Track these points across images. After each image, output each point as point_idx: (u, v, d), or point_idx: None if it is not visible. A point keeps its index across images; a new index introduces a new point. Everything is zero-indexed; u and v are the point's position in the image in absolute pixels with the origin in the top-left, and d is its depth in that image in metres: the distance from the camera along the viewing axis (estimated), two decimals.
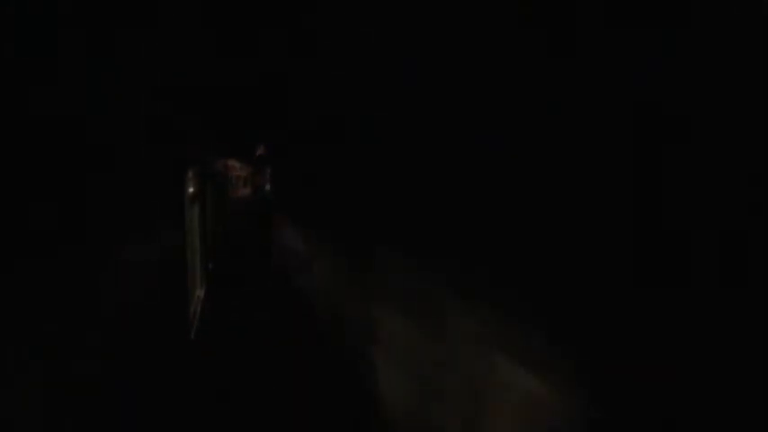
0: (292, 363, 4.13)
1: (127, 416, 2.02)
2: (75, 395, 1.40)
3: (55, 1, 1.26)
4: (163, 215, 3.05)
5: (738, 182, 0.78)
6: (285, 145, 5.86)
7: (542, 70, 1.23)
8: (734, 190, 0.79)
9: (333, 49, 2.28)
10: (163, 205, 3.06)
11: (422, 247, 1.95)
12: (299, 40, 2.18)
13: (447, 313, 1.74)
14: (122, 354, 1.95)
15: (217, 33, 2.17)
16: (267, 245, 8.82)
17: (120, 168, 1.96)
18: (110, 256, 1.80)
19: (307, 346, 4.47)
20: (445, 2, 1.60)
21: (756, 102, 0.76)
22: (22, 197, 1.09)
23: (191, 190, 5.12)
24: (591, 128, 1.08)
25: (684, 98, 0.87)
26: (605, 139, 1.04)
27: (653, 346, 0.93)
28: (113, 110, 1.87)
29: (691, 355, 0.86)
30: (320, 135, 3.88)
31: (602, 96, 1.05)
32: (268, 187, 9.78)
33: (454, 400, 1.70)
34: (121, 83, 2.01)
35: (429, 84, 1.85)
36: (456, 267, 1.68)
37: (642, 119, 0.95)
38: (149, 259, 2.58)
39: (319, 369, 3.95)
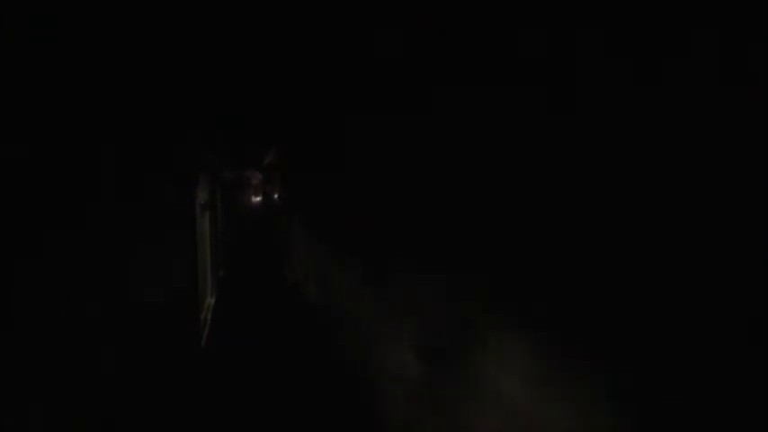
0: (302, 370, 4.08)
1: (137, 423, 1.99)
2: (87, 402, 1.38)
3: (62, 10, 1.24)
4: (173, 223, 3.05)
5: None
6: (299, 150, 5.86)
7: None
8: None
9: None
10: (173, 213, 3.06)
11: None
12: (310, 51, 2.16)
13: None
14: (132, 363, 1.93)
15: (226, 49, 2.16)
16: (278, 253, 8.82)
17: (130, 175, 1.95)
18: (120, 263, 1.78)
19: (316, 356, 4.42)
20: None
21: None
22: (33, 203, 1.07)
23: (201, 197, 5.14)
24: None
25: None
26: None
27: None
28: (121, 116, 1.86)
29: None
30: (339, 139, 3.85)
31: None
32: (277, 195, 9.84)
33: None
34: (132, 92, 2.00)
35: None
36: None
37: None
38: (159, 267, 2.56)
39: (326, 376, 3.89)
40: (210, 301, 6.13)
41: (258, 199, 15.13)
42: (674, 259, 0.91)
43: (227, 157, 7.73)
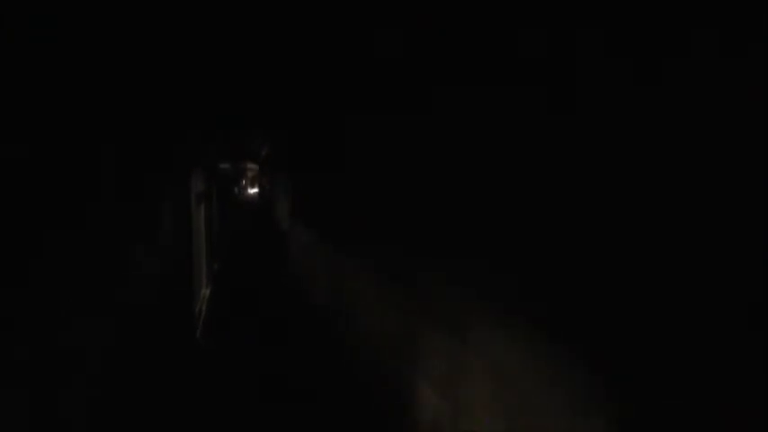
0: (296, 360, 4.10)
1: (131, 415, 2.00)
2: (82, 394, 1.38)
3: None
4: (167, 215, 3.03)
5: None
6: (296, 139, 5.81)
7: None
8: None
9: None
10: (167, 205, 3.04)
11: None
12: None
13: None
14: (127, 354, 1.92)
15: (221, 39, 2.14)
16: (273, 245, 8.81)
17: (127, 170, 1.93)
18: (114, 255, 1.77)
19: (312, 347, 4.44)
20: None
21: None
22: (30, 197, 1.06)
23: (196, 190, 5.11)
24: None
25: None
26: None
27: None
28: (117, 109, 1.84)
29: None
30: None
31: None
32: (268, 187, 9.78)
33: None
34: (127, 85, 1.98)
35: None
36: None
37: None
38: (154, 259, 2.55)
39: (321, 363, 3.90)
40: (206, 292, 6.13)
41: (255, 191, 15.06)
42: (674, 258, 0.91)
43: (224, 149, 7.68)
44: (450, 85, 1.73)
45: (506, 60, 1.39)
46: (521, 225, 1.35)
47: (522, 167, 1.34)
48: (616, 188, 1.04)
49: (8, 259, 1.00)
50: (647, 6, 0.97)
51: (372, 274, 2.78)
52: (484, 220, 1.53)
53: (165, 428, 2.89)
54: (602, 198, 1.07)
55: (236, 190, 13.51)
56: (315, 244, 4.64)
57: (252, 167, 14.30)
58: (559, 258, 1.20)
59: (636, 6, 0.99)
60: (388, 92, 2.37)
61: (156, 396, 2.62)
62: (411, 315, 2.16)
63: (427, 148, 1.94)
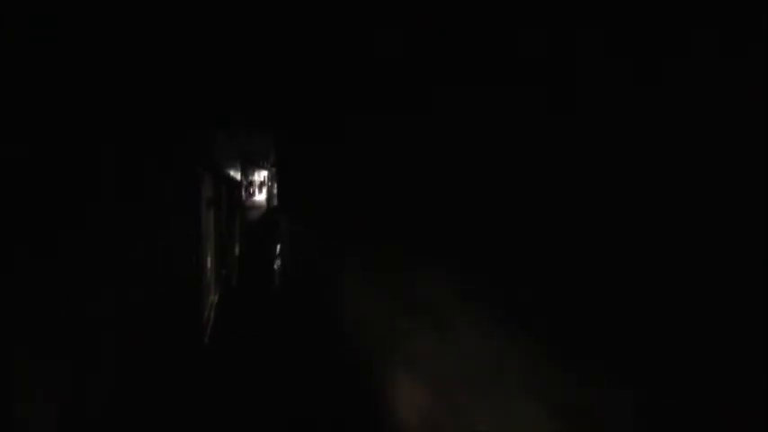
0: (303, 364, 4.09)
1: (140, 418, 2.01)
2: (92, 398, 1.39)
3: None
4: (177, 222, 3.06)
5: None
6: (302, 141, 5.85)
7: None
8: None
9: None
10: (178, 212, 3.07)
11: None
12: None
13: None
14: (135, 360, 1.94)
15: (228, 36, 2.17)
16: (280, 247, 8.83)
17: (135, 175, 1.96)
18: (124, 262, 1.79)
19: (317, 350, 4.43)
20: None
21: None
22: (42, 198, 1.08)
23: (206, 195, 5.16)
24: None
25: None
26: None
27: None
28: (123, 117, 1.87)
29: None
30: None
31: None
32: (276, 191, 9.83)
33: None
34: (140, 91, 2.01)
35: None
36: None
37: None
38: (163, 265, 2.57)
39: (328, 368, 3.90)
40: (214, 298, 6.17)
41: (263, 197, 15.18)
42: (674, 259, 0.91)
43: (233, 155, 7.75)
44: (450, 84, 1.74)
45: (507, 60, 1.40)
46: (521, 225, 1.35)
47: (523, 168, 1.34)
48: (619, 189, 1.03)
49: (9, 260, 1.01)
50: (647, 6, 0.97)
51: (366, 273, 2.78)
52: (485, 221, 1.53)
53: (171, 428, 2.90)
54: (601, 198, 1.07)
55: (244, 196, 13.63)
56: (312, 244, 4.65)
57: (260, 174, 14.43)
58: (559, 259, 1.19)
59: (636, 6, 1.00)
60: (387, 92, 2.38)
61: (161, 402, 2.63)
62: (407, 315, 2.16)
63: (427, 148, 1.95)
